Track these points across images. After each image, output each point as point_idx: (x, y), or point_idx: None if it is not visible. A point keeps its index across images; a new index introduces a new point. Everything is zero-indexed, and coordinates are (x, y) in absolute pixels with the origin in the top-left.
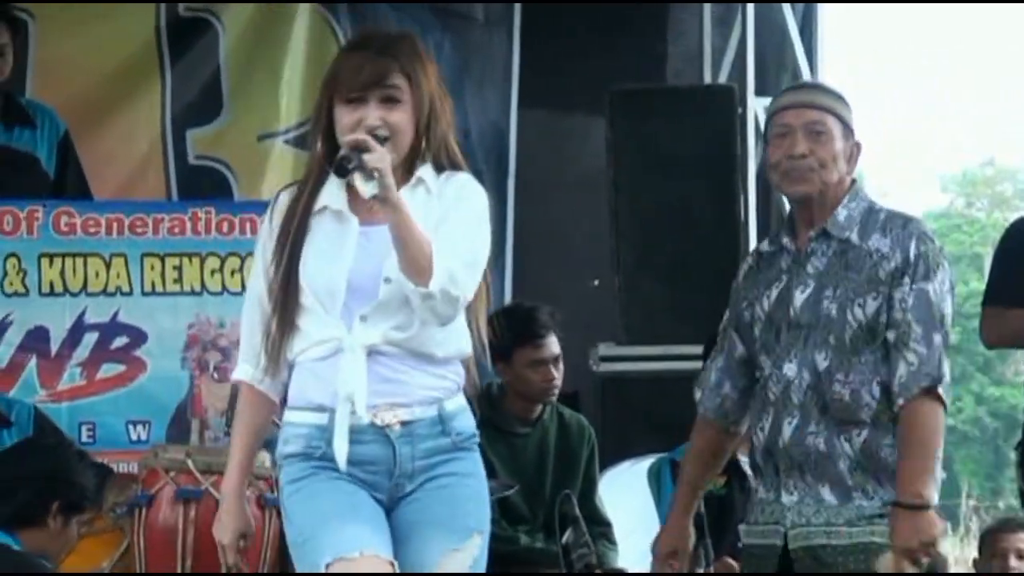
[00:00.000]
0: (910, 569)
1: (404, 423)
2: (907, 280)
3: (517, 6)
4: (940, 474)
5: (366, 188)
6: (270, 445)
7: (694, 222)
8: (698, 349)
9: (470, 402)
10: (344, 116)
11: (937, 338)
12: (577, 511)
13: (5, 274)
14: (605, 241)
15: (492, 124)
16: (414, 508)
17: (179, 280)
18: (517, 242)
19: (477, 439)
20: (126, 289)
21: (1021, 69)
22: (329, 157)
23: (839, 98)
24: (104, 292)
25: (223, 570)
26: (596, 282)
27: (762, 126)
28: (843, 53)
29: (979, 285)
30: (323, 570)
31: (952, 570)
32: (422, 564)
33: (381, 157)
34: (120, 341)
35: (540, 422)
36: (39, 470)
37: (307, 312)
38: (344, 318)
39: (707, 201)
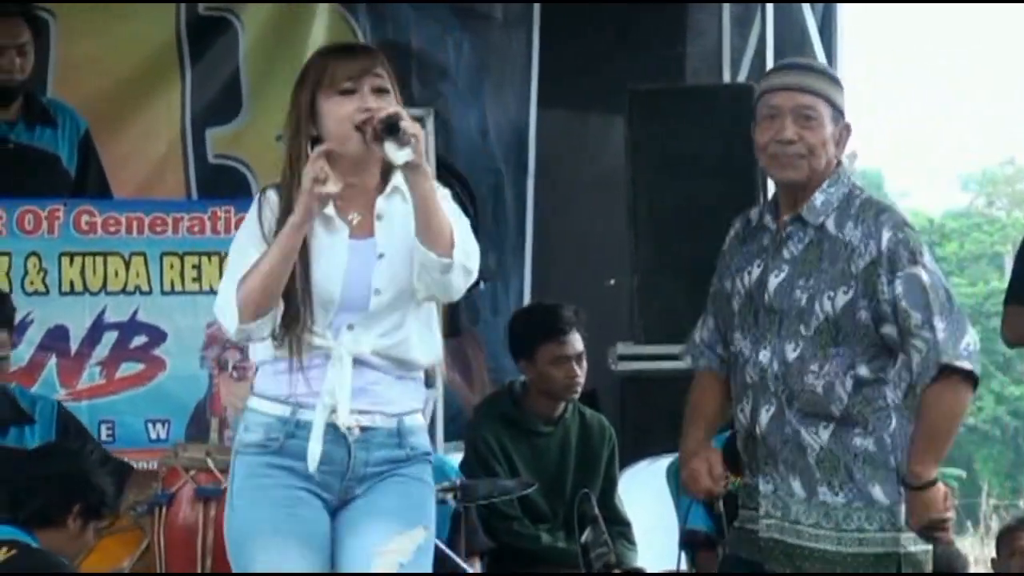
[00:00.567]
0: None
1: (364, 429)
2: (889, 271)
3: (536, 6)
4: (937, 461)
5: (399, 155)
6: None
7: (713, 221)
8: None
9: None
10: (338, 107)
11: (938, 321)
12: (596, 510)
13: (26, 273)
14: (624, 240)
15: (511, 124)
16: (363, 501)
17: (198, 279)
18: (536, 241)
19: (431, 457)
20: (145, 288)
21: None
22: (307, 154)
23: (831, 79)
24: (124, 291)
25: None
26: (611, 281)
27: None
28: (862, 53)
29: (999, 284)
30: None
31: (972, 569)
32: (365, 546)
33: (415, 125)
34: (139, 340)
35: (562, 421)
36: (63, 471)
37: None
38: (332, 326)
39: (726, 200)
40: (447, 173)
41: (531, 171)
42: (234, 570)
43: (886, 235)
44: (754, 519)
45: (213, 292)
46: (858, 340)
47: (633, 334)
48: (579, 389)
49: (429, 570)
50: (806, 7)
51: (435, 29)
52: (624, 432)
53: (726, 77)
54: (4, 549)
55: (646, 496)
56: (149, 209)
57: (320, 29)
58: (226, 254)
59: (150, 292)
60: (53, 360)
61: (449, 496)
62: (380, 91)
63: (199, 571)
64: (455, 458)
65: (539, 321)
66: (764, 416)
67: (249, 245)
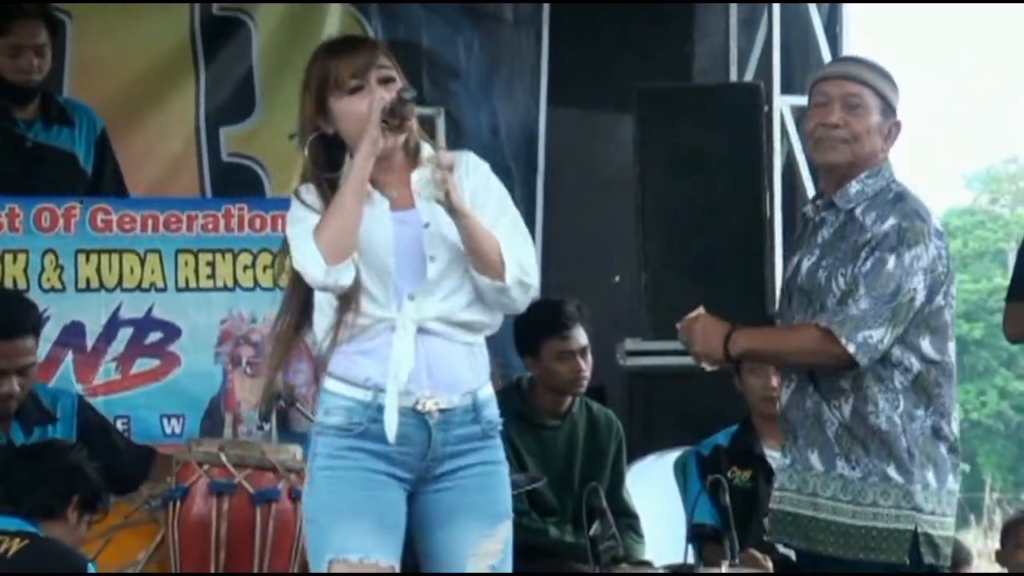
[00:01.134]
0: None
1: (442, 410)
2: (870, 249)
3: (546, 7)
4: (755, 346)
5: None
6: (301, 439)
7: (720, 219)
8: None
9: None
10: (351, 106)
11: (864, 301)
12: (604, 504)
13: (42, 270)
14: (632, 237)
15: (521, 123)
16: (449, 494)
17: (212, 276)
18: (546, 239)
19: (501, 425)
20: (160, 285)
21: None
22: (327, 153)
23: (883, 75)
24: (139, 288)
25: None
26: (617, 278)
27: (788, 125)
28: (868, 53)
29: (1003, 281)
30: (326, 565)
31: (975, 563)
32: (460, 548)
33: (408, 105)
34: (154, 336)
35: (569, 416)
36: (60, 466)
37: (360, 293)
38: (393, 298)
39: (733, 198)
40: None
41: (541, 169)
42: (309, 546)
43: (891, 220)
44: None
45: (227, 288)
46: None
47: (641, 330)
48: (585, 383)
49: (511, 554)
50: (812, 7)
51: (446, 29)
52: (632, 427)
53: (732, 76)
54: (17, 539)
55: (654, 490)
56: (164, 207)
57: (332, 29)
58: (240, 251)
59: (165, 289)
60: (69, 356)
61: None
62: (387, 80)
63: (212, 563)
64: None
65: (542, 317)
66: (785, 392)
67: (302, 214)
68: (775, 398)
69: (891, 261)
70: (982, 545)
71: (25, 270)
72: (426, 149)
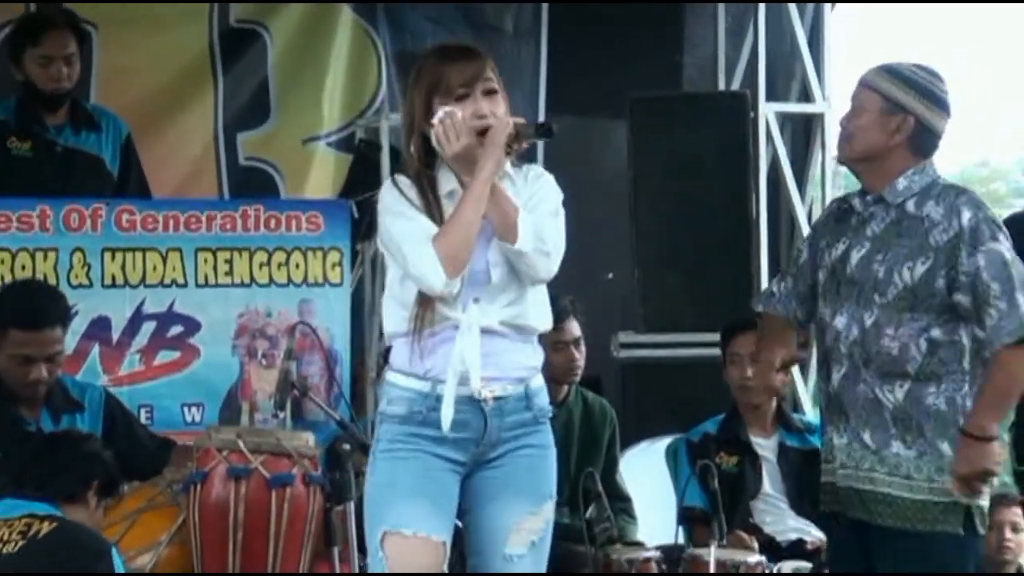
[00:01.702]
0: (965, 493)
1: (497, 398)
2: (969, 245)
3: (544, 20)
4: (1010, 416)
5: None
6: (314, 428)
7: (709, 220)
8: (713, 337)
9: None
10: (456, 111)
11: (1020, 295)
12: (600, 488)
13: (71, 267)
14: (627, 237)
15: None
16: (500, 473)
17: (230, 273)
18: None
19: (551, 413)
20: (181, 281)
21: (1011, 73)
22: (423, 150)
23: (892, 75)
24: (161, 284)
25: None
26: (610, 275)
27: (772, 130)
28: (852, 60)
29: None
30: (379, 536)
31: None
32: (505, 522)
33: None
34: (176, 330)
35: (565, 404)
36: (83, 452)
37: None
38: (461, 300)
39: (721, 200)
40: None
41: None
42: (366, 522)
43: (967, 213)
44: (832, 471)
45: (244, 285)
46: (933, 307)
47: (634, 324)
48: (579, 372)
49: (551, 532)
50: (796, 19)
51: (450, 40)
52: (625, 415)
53: (720, 85)
54: (47, 522)
55: (646, 475)
56: (185, 208)
57: (343, 41)
58: (256, 249)
59: (185, 285)
60: (96, 348)
61: None
62: (490, 92)
63: (230, 543)
64: None
65: None
66: (836, 376)
67: (409, 212)
68: (751, 387)
69: (1004, 250)
70: None
71: (55, 267)
72: (506, 164)
